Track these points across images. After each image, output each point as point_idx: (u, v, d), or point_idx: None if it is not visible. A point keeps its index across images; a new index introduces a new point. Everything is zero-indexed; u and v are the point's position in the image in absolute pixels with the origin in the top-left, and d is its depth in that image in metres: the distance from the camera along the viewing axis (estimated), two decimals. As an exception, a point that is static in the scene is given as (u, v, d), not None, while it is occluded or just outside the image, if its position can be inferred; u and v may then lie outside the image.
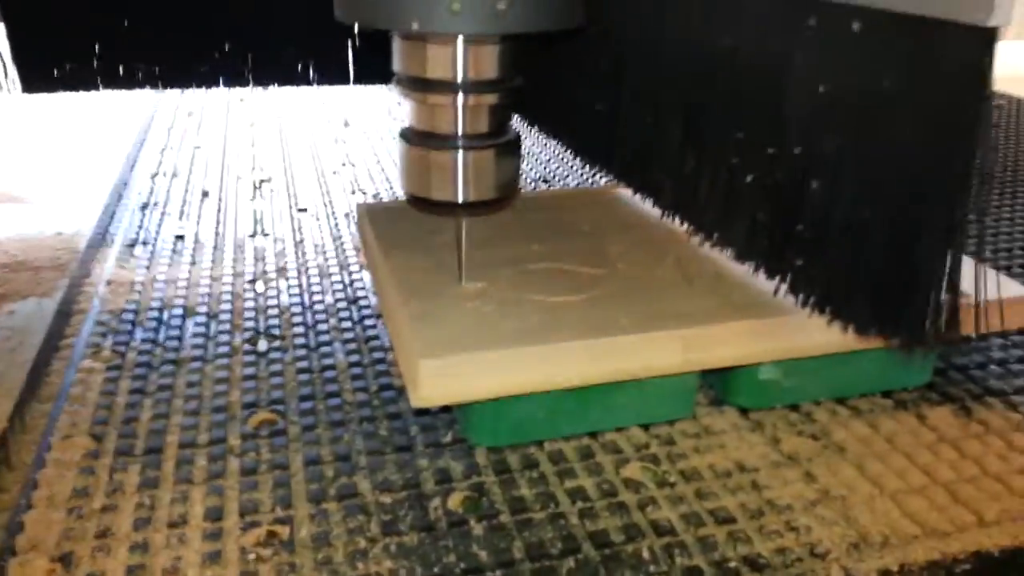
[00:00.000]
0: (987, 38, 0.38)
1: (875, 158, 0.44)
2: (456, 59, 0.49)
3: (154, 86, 0.88)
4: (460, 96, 0.50)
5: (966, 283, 0.47)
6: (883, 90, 0.43)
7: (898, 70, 0.42)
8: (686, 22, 0.57)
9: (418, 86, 0.51)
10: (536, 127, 0.84)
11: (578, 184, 0.97)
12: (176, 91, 1.16)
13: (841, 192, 0.47)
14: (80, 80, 0.84)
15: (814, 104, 0.47)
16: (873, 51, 0.44)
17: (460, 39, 0.49)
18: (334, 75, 0.93)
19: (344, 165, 1.03)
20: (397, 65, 0.51)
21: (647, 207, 0.68)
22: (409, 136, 0.53)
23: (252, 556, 0.42)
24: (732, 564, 0.42)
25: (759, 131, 0.52)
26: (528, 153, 1.08)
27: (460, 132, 0.51)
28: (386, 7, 0.46)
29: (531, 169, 1.02)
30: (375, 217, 0.65)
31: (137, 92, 0.88)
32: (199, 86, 0.89)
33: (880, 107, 0.44)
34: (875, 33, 0.43)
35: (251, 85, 0.90)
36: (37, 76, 0.82)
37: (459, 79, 0.50)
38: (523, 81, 0.53)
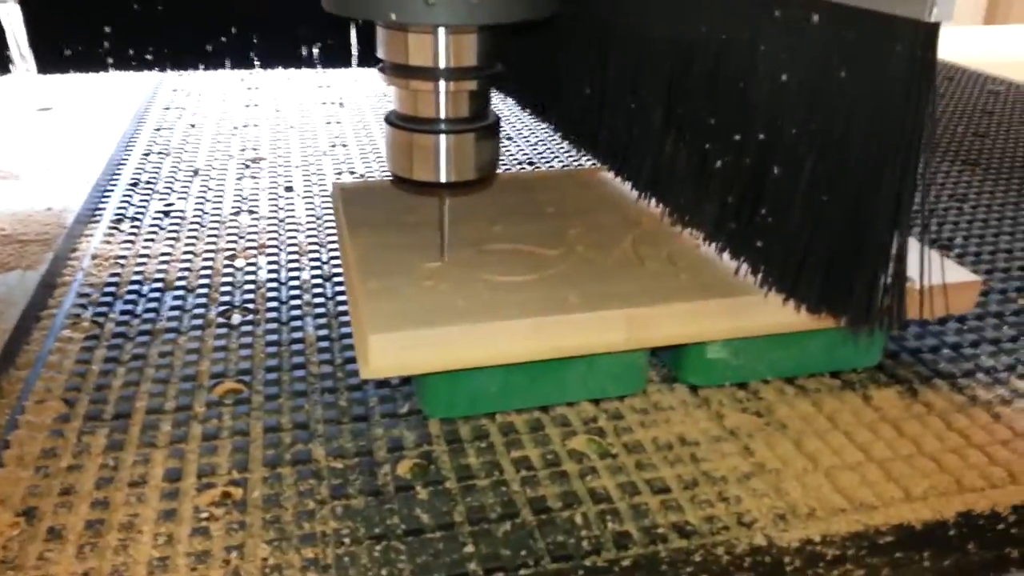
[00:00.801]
0: (929, 32, 0.40)
1: (830, 144, 0.46)
2: (436, 47, 0.51)
3: (163, 68, 0.90)
4: (441, 82, 0.52)
5: (916, 269, 0.49)
6: (838, 80, 0.45)
7: (851, 61, 0.44)
8: (665, 8, 0.59)
9: (401, 73, 0.53)
10: (525, 109, 0.86)
11: (563, 166, 0.98)
12: (183, 71, 1.18)
13: (799, 177, 0.48)
14: (91, 61, 0.87)
15: (776, 92, 0.49)
16: (829, 42, 0.45)
17: (439, 28, 0.50)
18: (338, 58, 0.95)
19: (335, 146, 1.05)
20: (381, 52, 0.54)
21: (620, 189, 0.70)
22: (394, 120, 0.55)
23: (205, 515, 0.44)
24: (661, 530, 0.44)
25: (728, 118, 0.53)
26: (517, 135, 1.10)
27: (442, 116, 0.53)
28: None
29: (518, 150, 1.04)
30: (348, 196, 0.67)
31: (140, 73, 0.90)
32: (207, 68, 0.91)
33: (835, 96, 0.45)
34: (831, 25, 0.45)
35: (257, 67, 0.93)
36: (50, 58, 0.85)
37: (439, 66, 0.52)
38: (502, 67, 0.55)
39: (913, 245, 0.48)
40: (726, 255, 0.56)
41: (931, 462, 0.50)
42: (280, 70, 1.26)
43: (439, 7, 0.47)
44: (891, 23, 0.41)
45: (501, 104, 1.17)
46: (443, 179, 0.55)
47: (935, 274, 0.54)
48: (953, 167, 1.02)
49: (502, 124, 1.15)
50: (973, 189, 0.94)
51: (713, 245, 0.57)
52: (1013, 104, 1.31)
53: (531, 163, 0.99)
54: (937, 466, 0.50)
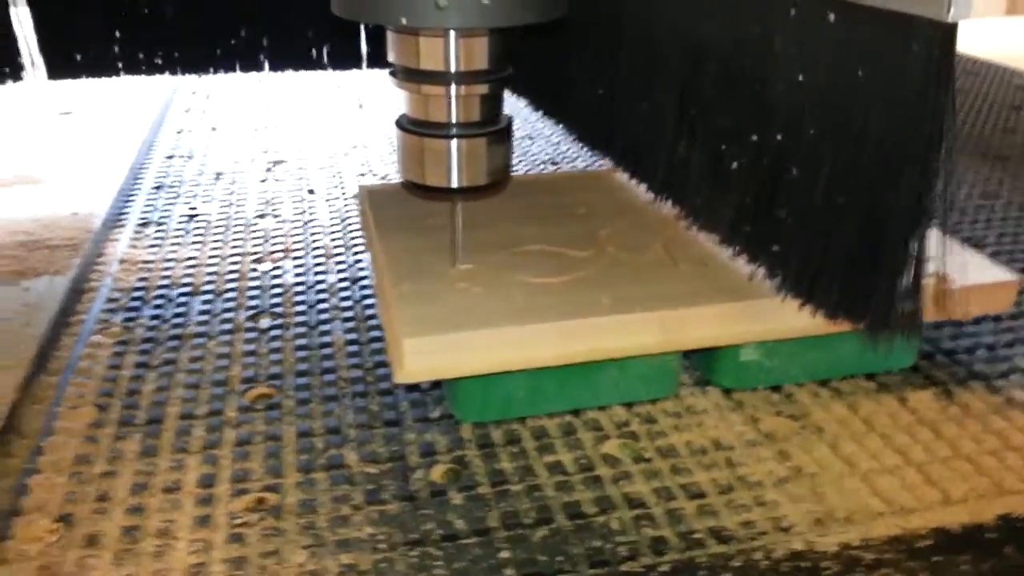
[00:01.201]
0: (947, 31, 0.39)
1: (848, 145, 0.46)
2: (447, 51, 0.51)
3: (172, 71, 0.90)
4: (452, 87, 0.52)
5: (952, 268, 0.48)
6: (855, 79, 0.44)
7: (869, 60, 0.44)
8: (678, 8, 0.58)
9: (412, 77, 0.53)
10: (539, 111, 0.86)
11: (587, 166, 0.98)
12: (194, 75, 1.18)
13: (816, 179, 0.48)
14: (101, 66, 0.87)
15: (793, 92, 0.49)
16: (847, 41, 0.45)
17: (450, 32, 0.50)
18: (348, 60, 0.95)
19: (356, 147, 1.05)
20: (392, 56, 0.53)
21: (643, 191, 0.69)
22: (404, 124, 0.55)
23: (240, 520, 0.44)
24: (698, 535, 0.44)
25: (744, 118, 0.53)
26: (538, 134, 1.10)
27: (453, 120, 0.53)
28: (377, 4, 0.47)
29: (540, 151, 1.03)
30: (375, 198, 0.67)
31: (156, 76, 0.91)
32: (216, 71, 0.91)
33: (852, 95, 0.45)
34: (849, 24, 0.44)
35: (267, 70, 0.93)
36: (61, 63, 0.85)
37: (451, 70, 0.51)
38: (514, 71, 0.55)
39: (950, 245, 0.47)
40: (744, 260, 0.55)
41: (969, 464, 0.49)
42: (298, 73, 1.26)
43: (450, 11, 0.46)
44: (908, 23, 0.40)
45: (518, 104, 1.17)
46: (455, 184, 0.54)
47: (972, 273, 0.53)
48: (983, 164, 1.01)
49: (523, 123, 1.14)
50: (1004, 186, 0.93)
51: (730, 248, 0.56)
52: (1038, 99, 1.30)
53: (554, 163, 0.99)
54: (975, 469, 0.49)
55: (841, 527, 0.45)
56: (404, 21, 0.47)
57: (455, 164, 0.54)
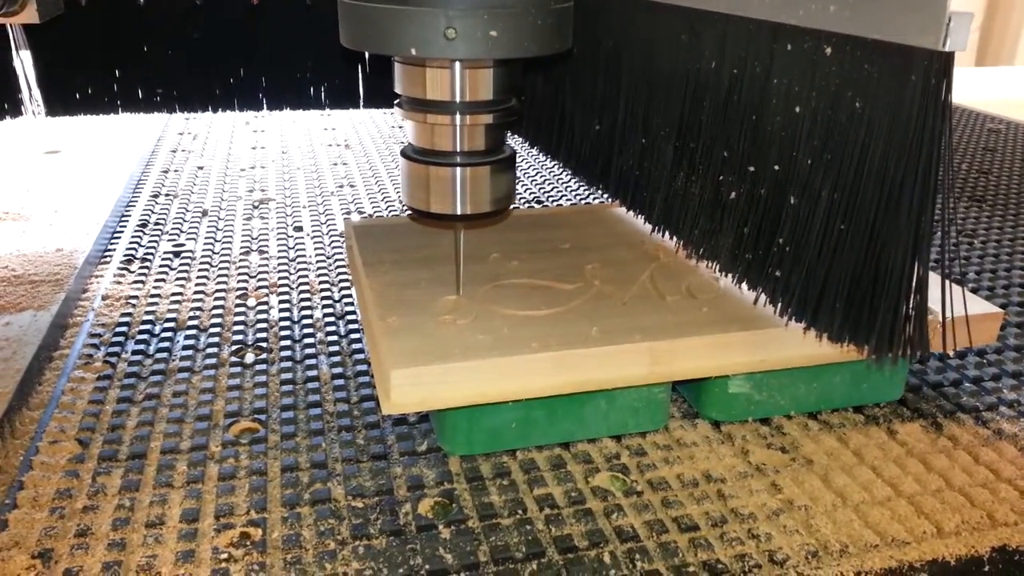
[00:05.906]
0: (944, 62, 0.40)
1: (847, 174, 0.46)
2: (453, 81, 0.52)
3: (171, 110, 0.91)
4: (458, 116, 0.53)
5: (935, 302, 0.48)
6: (853, 110, 0.45)
7: (866, 91, 0.44)
8: (675, 46, 0.59)
9: (418, 106, 0.53)
10: (535, 147, 0.86)
11: (571, 204, 0.98)
12: (182, 115, 1.19)
13: (816, 207, 0.48)
14: (100, 104, 0.88)
15: (791, 124, 0.49)
16: (843, 73, 0.46)
17: (457, 63, 0.51)
18: (345, 99, 0.96)
19: (343, 187, 1.05)
20: (399, 87, 0.54)
21: (632, 225, 0.70)
22: (410, 153, 0.55)
23: (224, 556, 0.43)
24: (691, 569, 0.43)
25: (742, 150, 0.54)
26: (523, 174, 1.10)
27: (458, 149, 0.54)
28: (386, 35, 0.48)
29: (525, 190, 1.04)
30: (361, 234, 0.67)
31: (150, 116, 0.91)
32: (215, 110, 0.92)
33: (850, 126, 0.45)
34: (845, 57, 0.45)
35: (265, 109, 0.93)
36: (60, 100, 0.86)
37: (456, 100, 0.52)
38: (518, 102, 0.55)
39: (935, 279, 0.48)
40: (745, 287, 0.55)
41: (961, 496, 0.49)
42: (286, 113, 1.27)
43: (459, 42, 0.47)
44: (906, 53, 0.41)
45: (512, 141, 1.17)
46: (458, 211, 0.54)
47: (958, 306, 0.54)
48: (960, 204, 1.02)
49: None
50: (982, 225, 0.95)
51: (730, 276, 0.56)
52: (1013, 141, 1.32)
53: (539, 202, 1.00)
54: (967, 501, 0.49)
55: (835, 560, 0.44)
56: (413, 52, 0.48)
57: (459, 191, 0.54)
